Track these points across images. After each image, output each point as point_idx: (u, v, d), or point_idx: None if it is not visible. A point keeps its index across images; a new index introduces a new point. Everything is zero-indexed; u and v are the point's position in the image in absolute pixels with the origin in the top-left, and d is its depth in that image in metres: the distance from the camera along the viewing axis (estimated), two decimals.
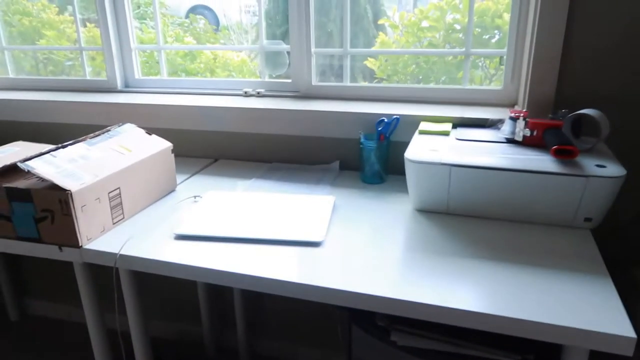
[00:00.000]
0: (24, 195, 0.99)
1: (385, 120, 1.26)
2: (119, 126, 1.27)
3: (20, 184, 1.01)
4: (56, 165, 1.02)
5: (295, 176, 1.37)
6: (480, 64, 2.08)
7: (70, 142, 1.13)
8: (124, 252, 0.98)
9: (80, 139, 1.16)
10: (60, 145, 1.10)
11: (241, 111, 1.48)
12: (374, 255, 0.95)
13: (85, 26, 2.03)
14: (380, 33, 2.20)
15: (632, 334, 0.72)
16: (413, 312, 0.83)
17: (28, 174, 1.02)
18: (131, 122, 1.32)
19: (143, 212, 1.16)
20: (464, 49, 1.39)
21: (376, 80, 2.40)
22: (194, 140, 1.57)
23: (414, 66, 2.18)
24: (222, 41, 4.07)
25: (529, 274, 0.88)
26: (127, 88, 1.73)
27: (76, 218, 0.98)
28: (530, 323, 0.77)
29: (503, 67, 1.35)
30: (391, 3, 3.07)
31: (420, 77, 2.27)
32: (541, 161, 1.00)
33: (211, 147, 1.56)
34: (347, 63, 1.51)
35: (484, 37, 2.01)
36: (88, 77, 1.77)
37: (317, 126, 1.43)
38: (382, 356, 0.90)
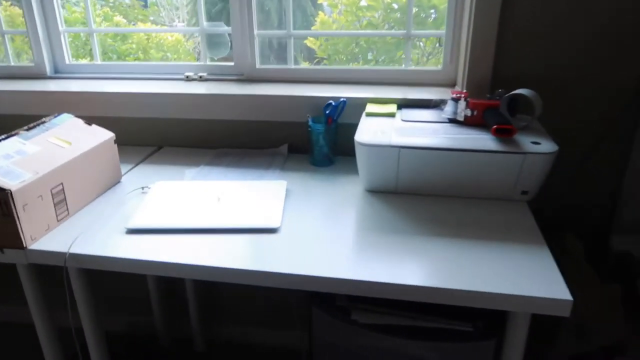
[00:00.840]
0: None
1: (333, 103, 1.27)
2: (55, 117, 1.20)
3: None
4: None
5: (244, 162, 1.37)
6: (417, 42, 2.13)
7: (2, 136, 1.06)
8: (73, 250, 0.95)
9: (12, 132, 1.09)
10: None
11: (184, 97, 1.44)
12: (329, 238, 0.97)
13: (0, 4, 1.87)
14: (320, 12, 2.21)
15: (568, 297, 0.79)
16: (370, 291, 0.86)
17: None
18: (65, 111, 1.25)
19: (88, 207, 1.12)
20: (404, 31, 1.42)
21: (316, 60, 2.40)
22: (135, 128, 1.51)
23: (353, 45, 2.20)
24: (151, 18, 3.88)
25: (474, 247, 0.94)
26: (57, 74, 1.63)
27: (18, 218, 0.93)
28: (478, 293, 0.82)
29: (439, 46, 1.40)
30: None
31: (360, 56, 2.30)
32: (483, 140, 1.06)
33: (153, 134, 1.51)
34: (291, 45, 1.50)
35: (421, 15, 2.06)
36: (12, 63, 1.65)
37: (263, 110, 1.42)
38: (343, 335, 0.94)
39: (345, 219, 1.05)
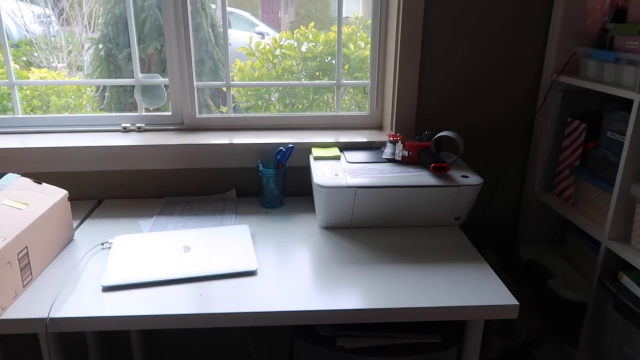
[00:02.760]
0: None
1: (283, 149, 1.38)
2: (0, 177, 1.15)
3: None
4: None
5: (196, 209, 1.40)
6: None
7: None
8: (52, 315, 0.92)
9: None
10: None
11: (123, 149, 1.44)
12: (303, 274, 1.06)
13: None
14: (237, 60, 2.31)
15: (515, 302, 0.98)
16: (354, 318, 0.97)
17: None
18: None
19: (50, 269, 1.08)
20: (335, 81, 1.59)
21: (234, 104, 2.49)
22: (71, 182, 1.46)
23: (275, 92, 2.33)
24: (23, 58, 3.67)
25: (427, 268, 1.09)
26: None
27: None
28: (445, 309, 0.97)
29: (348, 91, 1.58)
30: (234, 23, 3.18)
31: (274, 101, 2.43)
32: (422, 176, 1.24)
33: (92, 188, 1.48)
34: (230, 95, 1.59)
35: (333, 62, 2.26)
36: None
37: (208, 158, 1.48)
38: None
39: (310, 254, 1.15)
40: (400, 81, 1.45)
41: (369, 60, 1.57)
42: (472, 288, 1.02)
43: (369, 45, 1.56)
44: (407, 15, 1.39)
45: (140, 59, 2.67)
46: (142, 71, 1.56)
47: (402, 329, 1.04)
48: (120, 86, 2.64)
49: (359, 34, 2.21)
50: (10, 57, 1.52)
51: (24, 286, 1.00)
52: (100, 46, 2.70)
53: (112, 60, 2.68)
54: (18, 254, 0.98)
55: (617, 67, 1.19)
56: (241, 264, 1.08)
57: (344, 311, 0.96)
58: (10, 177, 1.16)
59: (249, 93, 2.24)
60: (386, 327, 1.05)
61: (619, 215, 1.18)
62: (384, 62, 1.53)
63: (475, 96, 1.50)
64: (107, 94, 2.86)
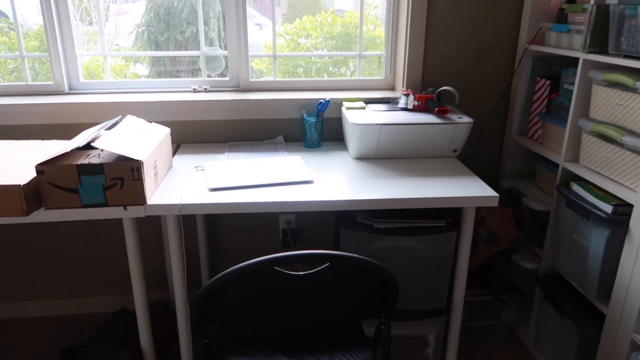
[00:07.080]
0: (96, 169, 1.28)
1: (322, 101, 1.81)
2: (122, 118, 1.57)
3: (85, 161, 1.29)
4: (114, 144, 1.33)
5: (256, 148, 1.83)
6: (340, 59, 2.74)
7: (91, 134, 1.40)
8: (183, 202, 1.36)
9: (91, 130, 1.44)
10: (92, 138, 1.36)
11: (196, 103, 1.87)
12: (344, 183, 1.50)
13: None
14: (266, 41, 2.73)
15: (495, 194, 1.43)
16: (382, 204, 1.41)
17: (75, 154, 1.31)
18: (89, 120, 1.64)
19: (166, 180, 1.51)
20: (357, 52, 2.02)
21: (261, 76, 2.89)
22: None
23: (299, 68, 2.75)
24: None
25: (435, 179, 1.54)
26: (72, 90, 1.93)
27: (144, 181, 1.31)
28: (448, 198, 1.42)
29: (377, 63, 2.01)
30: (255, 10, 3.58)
31: (300, 72, 2.85)
32: (429, 118, 1.68)
33: (172, 134, 1.90)
34: (276, 64, 2.01)
35: (351, 43, 2.69)
36: (30, 82, 1.91)
37: (260, 111, 1.91)
38: (365, 243, 1.47)
39: (347, 173, 1.59)
40: (410, 52, 1.89)
41: (377, 40, 2.00)
42: (465, 188, 1.47)
43: (377, 27, 1.99)
44: (415, 3, 1.83)
45: (178, 41, 3.04)
46: (180, 49, 2.00)
47: (418, 216, 1.49)
48: (167, 68, 3.03)
49: (369, 17, 2.64)
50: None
51: (155, 187, 1.43)
52: (143, 29, 3.10)
53: (153, 42, 3.09)
54: (153, 163, 1.40)
55: (569, 36, 1.64)
56: (301, 176, 1.52)
57: (376, 200, 1.40)
58: (130, 117, 1.58)
59: (278, 69, 2.66)
60: (407, 214, 1.49)
61: (571, 142, 1.63)
62: (396, 38, 1.97)
63: (466, 62, 1.94)
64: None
